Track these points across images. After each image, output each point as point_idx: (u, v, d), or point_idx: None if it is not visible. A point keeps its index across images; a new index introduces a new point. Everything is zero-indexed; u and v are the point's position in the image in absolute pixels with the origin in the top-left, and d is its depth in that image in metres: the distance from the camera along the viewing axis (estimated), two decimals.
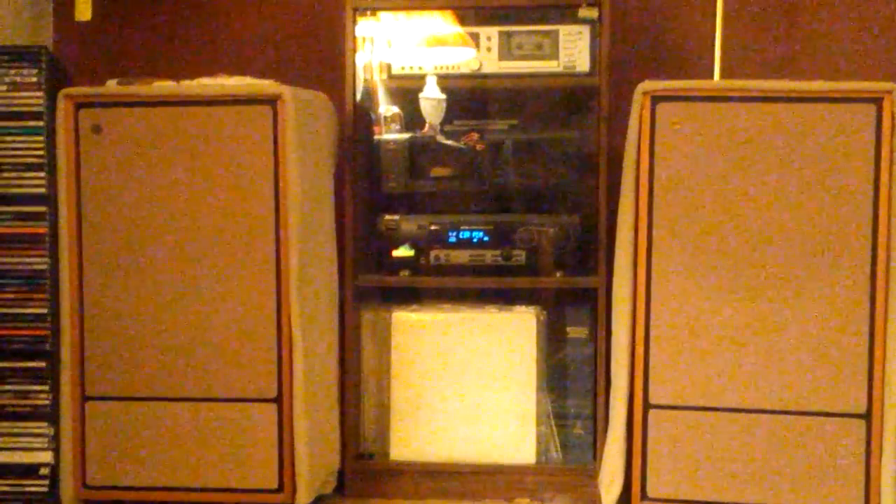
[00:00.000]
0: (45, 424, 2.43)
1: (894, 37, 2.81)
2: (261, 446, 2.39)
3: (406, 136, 2.65)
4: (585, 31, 2.61)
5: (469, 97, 2.74)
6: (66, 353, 2.41)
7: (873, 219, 2.29)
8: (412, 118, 2.70)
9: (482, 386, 2.60)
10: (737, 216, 2.32)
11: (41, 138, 2.41)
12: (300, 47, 2.96)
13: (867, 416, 2.31)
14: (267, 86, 2.41)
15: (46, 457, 2.44)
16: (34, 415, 2.43)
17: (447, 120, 2.69)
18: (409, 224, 2.62)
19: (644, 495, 2.38)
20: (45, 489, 2.43)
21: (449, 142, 2.65)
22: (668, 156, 2.34)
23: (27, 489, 2.43)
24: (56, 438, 2.43)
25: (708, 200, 2.33)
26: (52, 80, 2.42)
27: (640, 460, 2.38)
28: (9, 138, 2.41)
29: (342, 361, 2.62)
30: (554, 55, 2.62)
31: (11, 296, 2.41)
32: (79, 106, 2.40)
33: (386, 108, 2.72)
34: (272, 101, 2.36)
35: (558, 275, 2.58)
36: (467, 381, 2.60)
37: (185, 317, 2.39)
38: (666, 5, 2.87)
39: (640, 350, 2.37)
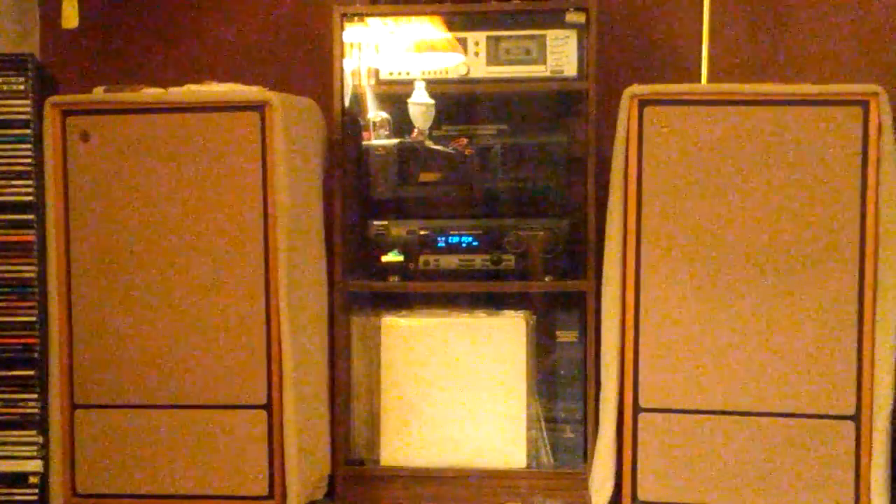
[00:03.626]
0: (34, 433, 2.43)
1: (881, 39, 2.82)
2: (251, 453, 2.38)
3: (395, 141, 2.65)
4: (572, 35, 2.61)
5: (457, 102, 2.74)
6: (55, 362, 2.40)
7: (861, 221, 2.30)
8: (401, 123, 2.70)
9: (472, 390, 2.60)
10: (725, 219, 2.33)
11: (28, 146, 2.40)
12: (288, 53, 2.96)
13: (856, 418, 2.32)
14: (255, 92, 2.41)
15: (36, 465, 2.43)
16: (23, 423, 2.42)
17: (436, 125, 2.69)
18: (398, 229, 2.62)
19: (634, 498, 2.38)
20: (34, 498, 2.42)
21: (437, 147, 2.65)
22: (656, 159, 2.35)
23: (17, 498, 2.42)
24: (45, 447, 2.42)
25: (696, 203, 2.33)
26: (40, 87, 2.42)
27: (631, 463, 2.38)
28: None
29: (332, 367, 2.61)
30: (541, 60, 2.62)
31: (0, 304, 2.41)
32: (66, 113, 2.40)
33: (374, 113, 2.71)
34: (260, 107, 2.36)
35: (547, 279, 2.58)
36: (457, 385, 2.60)
37: (174, 324, 2.38)
38: (653, 9, 2.87)
39: (629, 354, 2.37)
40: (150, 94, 2.43)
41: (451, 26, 2.64)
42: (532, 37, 2.63)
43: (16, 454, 2.43)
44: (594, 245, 2.51)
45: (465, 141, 2.65)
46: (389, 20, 2.65)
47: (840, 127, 2.30)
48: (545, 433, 2.64)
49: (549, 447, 2.63)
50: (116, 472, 2.41)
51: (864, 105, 2.30)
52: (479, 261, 2.60)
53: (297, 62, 2.94)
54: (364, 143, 2.67)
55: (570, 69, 2.62)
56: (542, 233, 2.58)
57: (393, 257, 2.61)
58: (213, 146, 2.37)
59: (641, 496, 2.38)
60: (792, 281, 2.31)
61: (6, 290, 2.41)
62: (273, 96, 2.35)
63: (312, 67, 2.88)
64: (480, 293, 2.66)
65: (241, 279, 2.37)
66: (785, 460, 2.33)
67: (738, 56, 2.85)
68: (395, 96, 2.70)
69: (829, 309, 2.31)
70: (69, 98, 2.41)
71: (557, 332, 2.63)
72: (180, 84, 2.48)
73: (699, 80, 2.62)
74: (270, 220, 2.36)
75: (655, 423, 2.37)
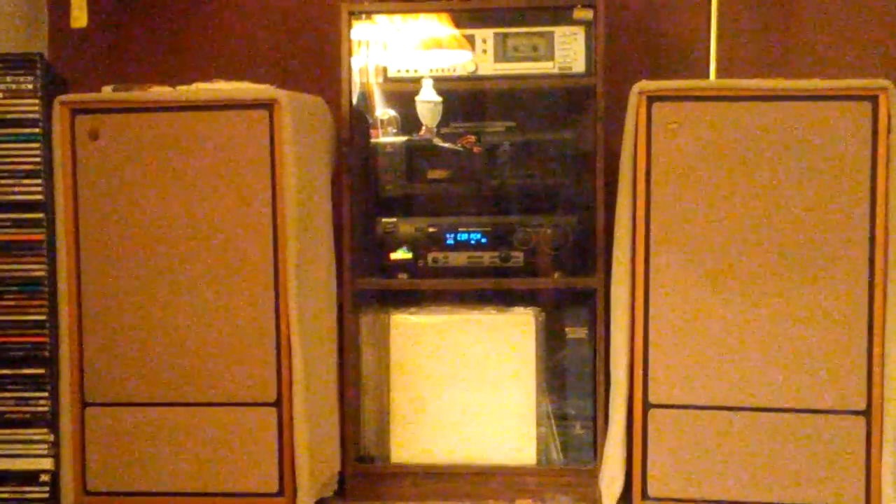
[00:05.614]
0: (45, 431, 2.43)
1: (889, 34, 2.82)
2: (261, 450, 2.38)
3: (403, 139, 2.66)
4: (580, 31, 2.61)
5: (465, 99, 2.74)
6: (65, 360, 2.41)
7: (870, 216, 2.30)
8: (408, 121, 2.70)
9: (482, 387, 2.60)
10: (734, 215, 2.33)
11: (38, 145, 2.41)
12: (296, 52, 2.96)
13: (867, 413, 2.31)
14: (263, 90, 2.41)
15: (47, 463, 2.43)
16: (34, 421, 2.43)
17: (443, 122, 2.69)
18: (406, 227, 2.62)
19: (645, 495, 2.38)
20: (45, 496, 2.43)
21: (445, 144, 2.65)
22: (665, 155, 2.34)
23: (28, 496, 2.43)
24: (56, 445, 2.43)
25: (705, 199, 2.33)
26: (48, 86, 2.42)
27: (641, 460, 2.38)
28: (5, 145, 2.40)
29: (341, 365, 2.62)
30: (549, 56, 2.62)
31: (10, 303, 2.41)
32: (75, 112, 2.40)
33: (382, 111, 2.72)
34: (269, 105, 2.36)
35: (556, 275, 2.58)
36: (467, 382, 2.60)
37: (184, 322, 2.39)
38: (661, 5, 2.87)
39: (639, 349, 2.37)
40: (159, 92, 2.43)
41: (459, 23, 2.64)
42: (540, 33, 2.63)
43: (27, 452, 2.43)
44: (603, 241, 2.51)
45: (473, 138, 2.65)
46: (397, 18, 2.66)
47: (849, 122, 2.29)
48: (555, 430, 2.64)
49: (558, 444, 2.63)
50: (127, 469, 2.41)
51: (874, 100, 2.29)
52: (488, 258, 2.60)
53: (305, 60, 2.94)
54: (372, 140, 2.68)
55: (579, 66, 2.62)
56: (550, 229, 2.58)
57: (402, 255, 2.61)
58: (222, 144, 2.37)
59: (652, 492, 2.38)
60: (802, 276, 2.31)
61: (16, 288, 2.42)
62: (281, 94, 2.36)
63: (320, 65, 2.89)
64: (489, 290, 2.66)
65: (251, 277, 2.37)
66: (795, 456, 2.33)
67: (746, 52, 2.84)
68: (402, 94, 2.70)
69: (839, 304, 2.31)
70: (78, 97, 2.41)
71: (567, 329, 2.63)
72: (189, 82, 2.48)
73: (708, 76, 2.62)
74: (279, 217, 2.36)
75: (665, 419, 2.37)
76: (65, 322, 2.40)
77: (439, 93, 2.66)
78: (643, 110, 2.34)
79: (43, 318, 2.42)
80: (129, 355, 2.40)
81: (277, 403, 2.38)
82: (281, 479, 2.39)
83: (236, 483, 2.40)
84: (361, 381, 2.67)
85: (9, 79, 2.41)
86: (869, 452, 2.31)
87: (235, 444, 2.39)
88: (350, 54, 2.58)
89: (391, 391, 2.63)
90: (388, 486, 2.60)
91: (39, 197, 2.41)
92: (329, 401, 2.55)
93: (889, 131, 2.28)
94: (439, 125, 2.69)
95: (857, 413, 2.31)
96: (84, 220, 2.41)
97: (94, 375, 2.41)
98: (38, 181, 2.41)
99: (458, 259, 2.60)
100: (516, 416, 2.59)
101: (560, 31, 2.62)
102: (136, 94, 2.42)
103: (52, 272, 2.41)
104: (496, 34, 2.64)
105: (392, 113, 2.72)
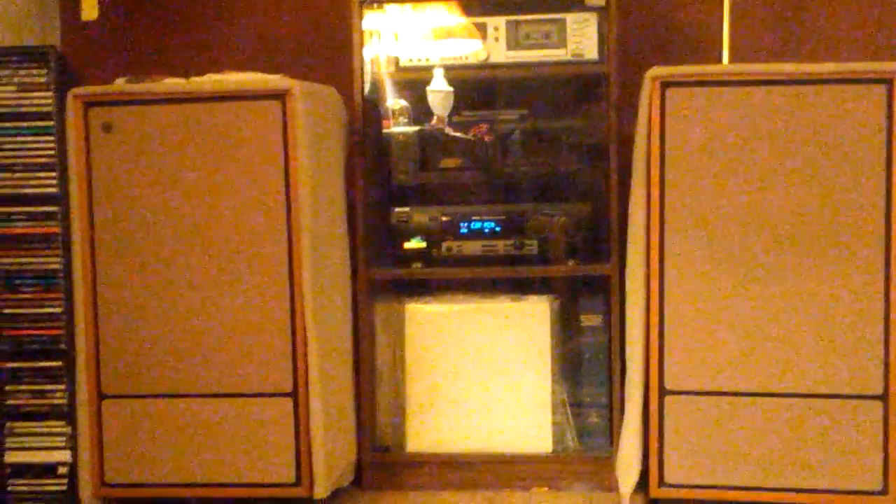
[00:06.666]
0: (62, 423, 2.44)
1: None
2: (277, 440, 2.39)
3: (415, 128, 2.65)
4: (592, 18, 2.60)
5: (477, 88, 2.74)
6: (82, 352, 2.41)
7: (886, 200, 2.29)
8: (420, 110, 2.70)
9: (497, 376, 2.60)
10: (749, 200, 2.32)
11: (51, 138, 2.41)
12: (308, 42, 2.96)
13: (884, 398, 2.30)
14: (276, 80, 2.41)
15: (64, 456, 2.44)
16: (51, 414, 2.44)
17: (455, 111, 2.69)
18: (420, 216, 2.62)
19: (662, 481, 2.38)
20: (63, 488, 2.44)
21: (457, 133, 2.65)
22: (679, 141, 2.33)
23: (46, 488, 2.44)
24: (73, 437, 2.44)
25: (719, 185, 2.32)
26: (61, 79, 2.43)
27: (657, 446, 2.38)
28: (19, 139, 2.42)
29: (356, 354, 2.62)
30: (561, 43, 2.61)
31: (26, 296, 2.42)
32: (88, 105, 2.40)
33: (394, 101, 2.72)
34: (281, 95, 2.36)
35: (571, 263, 2.58)
36: (482, 371, 2.60)
37: (199, 313, 2.39)
38: None
39: (654, 336, 2.37)
40: (172, 84, 2.43)
41: (470, 12, 2.64)
42: (552, 20, 2.62)
43: (44, 445, 2.45)
44: (617, 228, 2.51)
45: (485, 127, 2.65)
46: (408, 7, 2.65)
47: (864, 105, 2.28)
48: (570, 417, 2.64)
49: (574, 431, 2.63)
50: (144, 461, 2.42)
51: (888, 83, 2.28)
52: (502, 246, 2.60)
53: (318, 50, 2.94)
54: (384, 130, 2.68)
55: (591, 52, 2.61)
56: (564, 217, 2.58)
57: (416, 244, 2.61)
58: (235, 135, 2.37)
59: (668, 479, 2.38)
60: (817, 261, 2.30)
61: (32, 282, 2.43)
62: (294, 84, 2.35)
63: (332, 55, 2.88)
64: (503, 278, 2.66)
65: (265, 268, 2.37)
66: (812, 441, 2.32)
67: (759, 37, 2.83)
68: (414, 83, 2.70)
69: (855, 288, 2.30)
70: (91, 89, 2.42)
71: (581, 316, 2.63)
72: (201, 74, 2.48)
73: (721, 62, 2.61)
74: (293, 208, 2.36)
75: (681, 406, 2.36)
76: (81, 314, 2.41)
77: (451, 82, 2.65)
78: (657, 96, 2.34)
79: (59, 310, 2.43)
80: (146, 347, 2.41)
81: (293, 394, 2.38)
82: (298, 469, 2.39)
83: (253, 473, 2.40)
84: (377, 371, 2.67)
85: (22, 72, 2.41)
86: (887, 436, 2.30)
87: (252, 434, 2.39)
88: (362, 44, 2.58)
89: (406, 380, 2.63)
90: (404, 475, 2.61)
91: (54, 190, 2.42)
92: (345, 391, 2.56)
93: None
94: (451, 114, 2.68)
95: (874, 398, 2.31)
96: (98, 213, 2.41)
97: (110, 367, 2.42)
98: (53, 174, 2.42)
99: (472, 248, 2.60)
100: (531, 405, 2.59)
101: (572, 18, 2.61)
102: (149, 86, 2.42)
103: (68, 265, 2.42)
104: (508, 22, 2.63)
105: (404, 103, 2.71)
